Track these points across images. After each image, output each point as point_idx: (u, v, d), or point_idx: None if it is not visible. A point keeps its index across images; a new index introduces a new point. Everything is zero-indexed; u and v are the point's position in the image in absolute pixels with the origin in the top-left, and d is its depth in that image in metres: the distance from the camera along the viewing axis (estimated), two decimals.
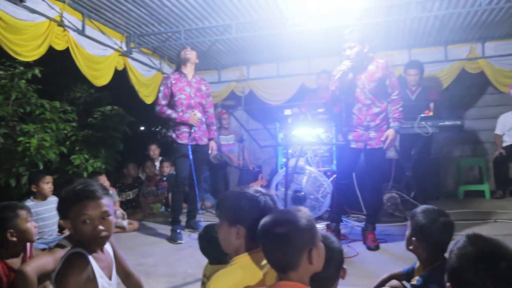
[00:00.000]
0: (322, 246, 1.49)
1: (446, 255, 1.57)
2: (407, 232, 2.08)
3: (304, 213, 1.48)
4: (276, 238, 1.41)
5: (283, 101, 6.94)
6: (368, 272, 3.13)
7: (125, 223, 4.95)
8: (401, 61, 6.25)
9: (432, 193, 6.08)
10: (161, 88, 4.57)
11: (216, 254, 2.12)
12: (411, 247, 2.05)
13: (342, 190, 4.07)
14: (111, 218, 1.87)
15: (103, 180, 5.11)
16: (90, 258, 1.81)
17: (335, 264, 1.74)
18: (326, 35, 5.44)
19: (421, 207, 2.08)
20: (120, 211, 5.03)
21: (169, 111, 4.51)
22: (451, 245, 1.51)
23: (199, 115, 4.54)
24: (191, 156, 4.47)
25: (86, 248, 1.82)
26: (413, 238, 2.02)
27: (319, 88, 6.19)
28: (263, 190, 1.74)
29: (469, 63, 6.39)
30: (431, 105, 5.15)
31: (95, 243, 1.85)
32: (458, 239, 1.46)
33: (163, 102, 4.55)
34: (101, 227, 1.80)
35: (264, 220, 1.49)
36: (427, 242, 1.97)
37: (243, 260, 1.59)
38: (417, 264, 2.15)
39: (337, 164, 4.45)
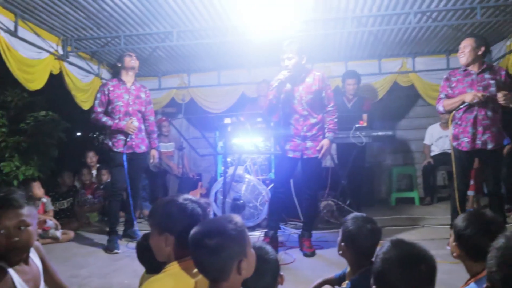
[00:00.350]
0: (253, 253, 1.51)
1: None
2: (338, 238, 2.17)
3: (235, 223, 1.47)
4: (205, 249, 1.41)
5: (224, 109, 6.97)
6: (304, 278, 3.22)
7: (58, 233, 4.78)
8: (338, 72, 6.48)
9: (367, 200, 6.35)
10: (98, 95, 4.48)
11: (153, 262, 2.10)
12: (341, 252, 2.14)
13: (279, 198, 4.13)
14: (31, 228, 1.80)
15: (37, 187, 4.92)
16: (11, 271, 1.73)
17: (271, 274, 1.78)
18: (266, 45, 5.53)
19: (351, 215, 2.19)
20: (53, 221, 4.85)
21: (104, 119, 4.42)
22: (377, 250, 1.60)
23: (136, 123, 4.48)
24: (125, 165, 4.40)
25: (7, 260, 1.74)
26: (342, 244, 2.11)
27: (259, 97, 6.30)
28: (194, 198, 1.74)
29: (401, 76, 6.74)
30: (365, 116, 5.39)
31: (11, 254, 1.77)
32: (383, 244, 1.54)
33: (99, 109, 4.45)
34: (16, 238, 1.74)
35: (194, 230, 1.48)
36: (354, 247, 2.07)
37: (174, 268, 1.59)
38: (348, 269, 2.25)
39: (275, 173, 4.53)
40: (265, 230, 4.30)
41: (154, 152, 4.79)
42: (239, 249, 1.44)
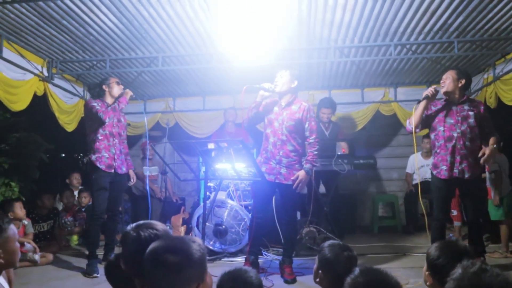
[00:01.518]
0: (209, 282, 1.47)
1: None
2: (315, 266, 2.18)
3: (198, 245, 1.41)
4: (166, 266, 1.32)
5: (208, 134, 6.99)
6: None
7: (36, 256, 4.67)
8: None
9: (349, 227, 6.36)
10: (94, 104, 4.40)
11: (122, 283, 2.08)
12: (317, 280, 2.14)
13: (258, 224, 4.08)
14: (14, 248, 1.80)
15: (19, 208, 4.87)
16: None
17: None
18: (251, 72, 5.62)
19: (327, 242, 2.20)
20: (31, 244, 4.76)
21: (104, 108, 4.42)
22: None
23: (131, 92, 4.58)
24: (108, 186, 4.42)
25: None
26: (320, 271, 2.12)
27: (227, 122, 6.45)
28: (158, 226, 1.66)
29: (383, 105, 6.88)
30: (343, 144, 5.47)
31: None
32: (353, 271, 1.58)
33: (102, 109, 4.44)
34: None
35: (155, 244, 1.40)
36: (331, 275, 2.07)
37: None
38: None
39: (253, 197, 4.43)
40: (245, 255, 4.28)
41: (131, 173, 4.80)
42: (200, 272, 1.39)
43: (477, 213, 4.01)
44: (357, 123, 6.91)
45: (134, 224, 1.66)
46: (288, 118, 3.95)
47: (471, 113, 3.89)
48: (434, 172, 4.01)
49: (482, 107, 3.98)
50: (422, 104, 3.92)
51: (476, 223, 4.02)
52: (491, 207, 4.80)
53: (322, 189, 5.97)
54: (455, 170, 3.87)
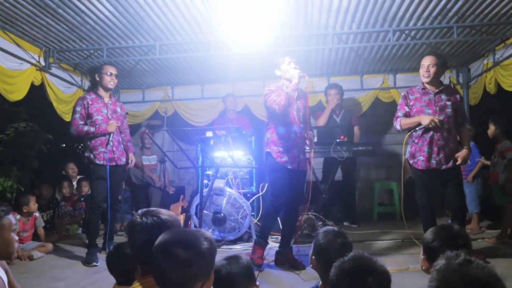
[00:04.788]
0: (213, 278, 1.45)
1: None
2: (310, 252, 2.18)
3: (210, 241, 1.39)
4: (174, 260, 1.31)
5: (207, 122, 6.96)
6: None
7: (36, 254, 4.61)
8: (321, 88, 6.52)
9: (349, 214, 6.35)
10: (78, 109, 4.47)
11: (123, 273, 2.10)
12: (311, 266, 2.15)
13: (277, 209, 4.03)
14: (10, 237, 1.81)
15: (33, 202, 4.95)
16: None
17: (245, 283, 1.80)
18: (249, 60, 5.59)
19: (323, 228, 2.20)
20: (36, 244, 4.82)
21: (86, 127, 4.43)
22: None
23: (115, 123, 4.52)
24: (108, 177, 4.39)
25: None
26: (313, 257, 2.11)
27: (228, 111, 6.41)
28: (159, 212, 1.65)
29: (383, 92, 6.84)
30: (356, 129, 5.45)
31: None
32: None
33: (81, 122, 4.45)
34: None
35: (165, 236, 1.39)
36: (324, 261, 2.06)
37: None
38: (320, 282, 2.25)
39: (273, 185, 4.05)
40: (247, 243, 4.29)
41: (131, 156, 4.84)
42: (207, 269, 1.37)
43: (462, 199, 3.97)
44: (360, 107, 6.87)
45: (140, 211, 1.66)
46: (302, 107, 3.97)
47: (448, 102, 3.87)
48: (411, 162, 4.01)
49: (458, 96, 3.98)
50: (417, 124, 3.89)
51: (462, 209, 4.02)
52: (498, 192, 4.84)
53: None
54: (433, 161, 3.87)
